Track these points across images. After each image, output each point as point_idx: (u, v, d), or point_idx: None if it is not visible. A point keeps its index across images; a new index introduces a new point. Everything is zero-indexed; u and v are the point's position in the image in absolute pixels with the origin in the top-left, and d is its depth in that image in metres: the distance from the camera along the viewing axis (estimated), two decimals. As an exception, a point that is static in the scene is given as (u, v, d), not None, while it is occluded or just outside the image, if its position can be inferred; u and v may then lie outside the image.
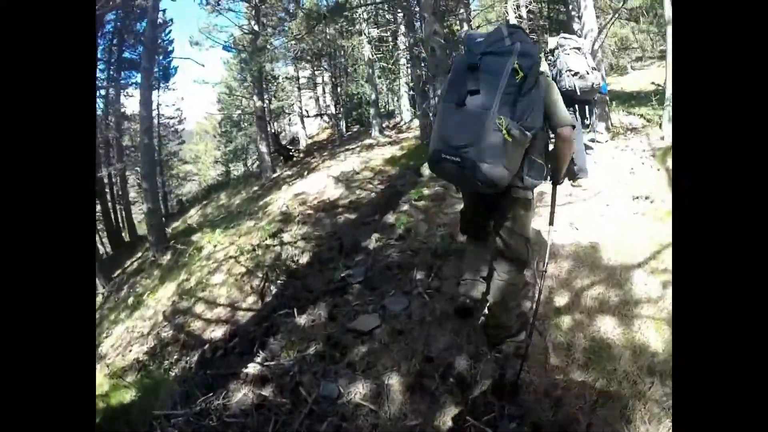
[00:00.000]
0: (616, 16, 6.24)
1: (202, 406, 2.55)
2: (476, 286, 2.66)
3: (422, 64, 6.18)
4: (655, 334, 2.54)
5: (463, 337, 2.77)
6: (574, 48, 4.81)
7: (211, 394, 2.67)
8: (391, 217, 4.87)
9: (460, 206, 2.75)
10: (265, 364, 2.90)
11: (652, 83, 14.54)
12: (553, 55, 4.99)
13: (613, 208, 4.30)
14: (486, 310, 2.49)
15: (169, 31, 20.20)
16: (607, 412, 2.10)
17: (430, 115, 5.75)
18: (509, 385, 2.24)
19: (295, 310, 3.54)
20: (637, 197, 4.42)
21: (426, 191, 5.22)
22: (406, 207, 5.02)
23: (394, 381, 2.52)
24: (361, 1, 11.05)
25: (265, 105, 15.11)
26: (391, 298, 3.37)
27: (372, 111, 12.85)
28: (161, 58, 20.00)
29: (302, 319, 3.44)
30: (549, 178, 2.27)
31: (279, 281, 4.41)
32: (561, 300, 3.08)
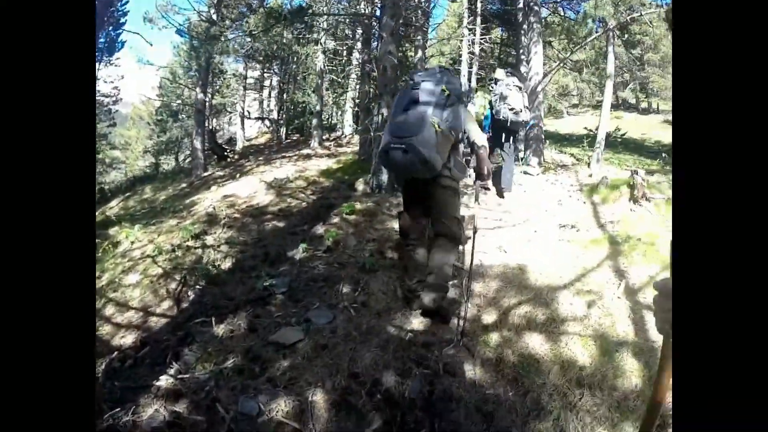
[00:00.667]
0: (560, 65, 6.76)
1: (109, 422, 2.21)
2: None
3: (371, 82, 6.17)
4: (582, 349, 2.63)
5: (390, 352, 2.66)
6: (516, 86, 5.60)
7: (118, 408, 2.32)
8: (320, 229, 4.68)
9: (391, 223, 3.83)
10: (179, 377, 2.59)
11: (585, 128, 15.91)
12: (495, 84, 5.75)
13: (541, 234, 4.48)
14: (426, 283, 2.84)
15: (126, 1, 18.59)
16: (540, 425, 2.11)
17: (371, 131, 5.70)
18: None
19: (213, 319, 3.24)
20: (564, 225, 4.65)
21: (358, 206, 5.11)
22: (336, 219, 4.87)
23: (318, 398, 2.35)
24: (324, 10, 11.02)
25: (206, 99, 14.36)
26: (315, 311, 3.18)
27: (314, 121, 12.64)
28: (111, 28, 18.22)
29: (220, 330, 3.14)
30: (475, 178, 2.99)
31: (197, 287, 4.04)
32: (489, 318, 3.08)
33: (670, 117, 21.02)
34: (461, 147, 2.82)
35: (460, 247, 3.36)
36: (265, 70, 19.74)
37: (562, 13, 11.65)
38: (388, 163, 2.63)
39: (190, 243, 5.02)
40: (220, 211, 6.05)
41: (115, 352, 3.27)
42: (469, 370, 2.52)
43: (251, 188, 7.44)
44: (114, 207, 13.77)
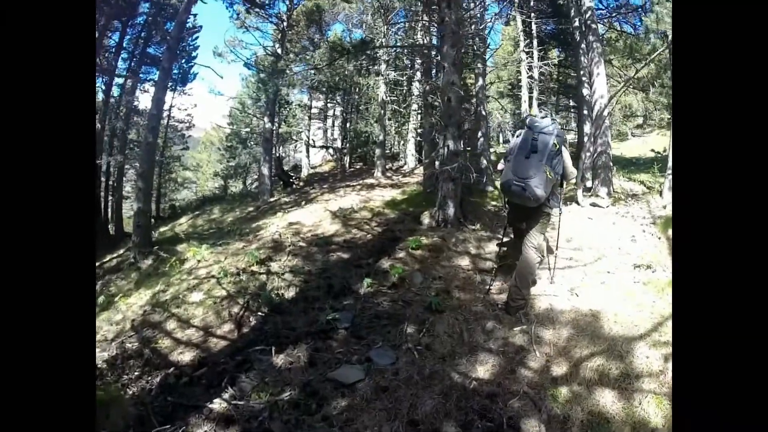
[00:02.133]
0: (626, 85, 6.42)
1: (158, 436, 2.29)
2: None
3: (434, 113, 6.25)
4: (655, 409, 2.40)
5: (452, 401, 2.59)
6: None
7: (168, 426, 2.40)
8: (385, 263, 4.72)
9: (458, 260, 4.53)
10: (233, 402, 2.64)
11: (652, 150, 14.91)
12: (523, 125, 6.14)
13: (615, 275, 4.20)
14: (511, 288, 3.61)
15: (197, 37, 20.12)
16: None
17: (436, 164, 5.71)
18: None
19: (273, 348, 3.31)
20: (639, 266, 4.33)
21: (424, 240, 5.11)
22: (402, 254, 4.89)
23: (375, 443, 2.32)
24: (384, 43, 11.38)
25: (274, 128, 15.24)
26: (378, 350, 3.18)
27: (378, 151, 12.97)
28: (183, 61, 19.90)
29: (279, 360, 3.19)
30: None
31: (260, 313, 4.18)
32: (559, 369, 2.92)
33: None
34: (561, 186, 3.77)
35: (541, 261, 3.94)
36: (329, 101, 20.60)
37: (619, 28, 11.14)
38: (507, 193, 3.42)
39: (255, 268, 5.20)
40: (286, 238, 6.28)
41: (172, 368, 3.39)
42: (534, 427, 2.39)
43: (316, 217, 7.69)
44: (183, 224, 14.76)
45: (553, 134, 3.31)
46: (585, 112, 10.45)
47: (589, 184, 7.62)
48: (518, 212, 3.71)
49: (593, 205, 6.82)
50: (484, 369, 2.95)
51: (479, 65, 8.43)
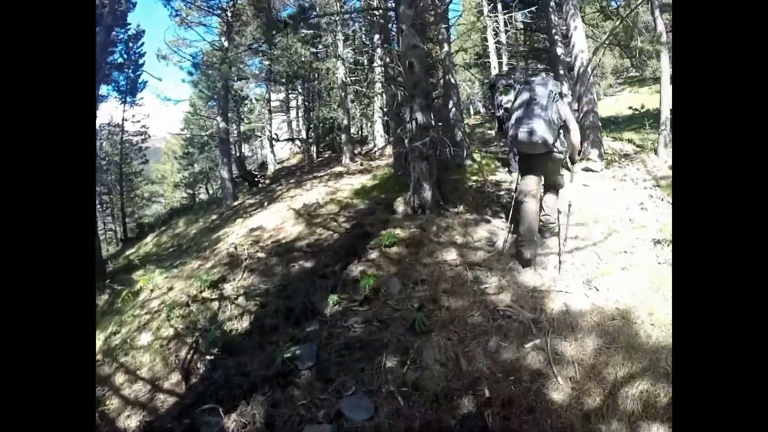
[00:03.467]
0: (611, 36, 5.67)
1: None
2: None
3: (398, 86, 5.42)
4: None
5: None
6: (506, 86, 6.05)
7: None
8: (355, 269, 3.88)
9: (443, 254, 3.88)
10: None
11: (629, 107, 14.36)
12: (492, 90, 6.40)
13: (634, 256, 3.46)
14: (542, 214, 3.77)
15: (142, 44, 18.90)
16: None
17: (405, 141, 4.83)
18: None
19: (222, 409, 2.58)
20: (659, 241, 3.61)
21: (400, 233, 4.26)
22: (375, 255, 4.06)
23: None
24: (332, 9, 10.36)
25: (229, 127, 14.09)
26: (350, 400, 2.39)
27: (344, 136, 11.93)
28: (130, 70, 18.65)
29: (231, 422, 2.49)
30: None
31: (209, 355, 3.37)
32: (590, 400, 2.18)
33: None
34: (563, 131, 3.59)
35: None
36: (289, 92, 19.43)
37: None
38: (516, 142, 3.52)
39: (207, 294, 4.39)
40: (243, 249, 5.41)
41: (118, 439, 2.89)
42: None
43: (279, 218, 6.78)
44: (148, 243, 13.66)
45: (548, 84, 3.54)
46: (561, 71, 9.72)
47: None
48: (527, 161, 3.69)
49: (586, 169, 6.09)
50: (492, 412, 2.18)
51: (443, 30, 7.53)
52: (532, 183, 3.62)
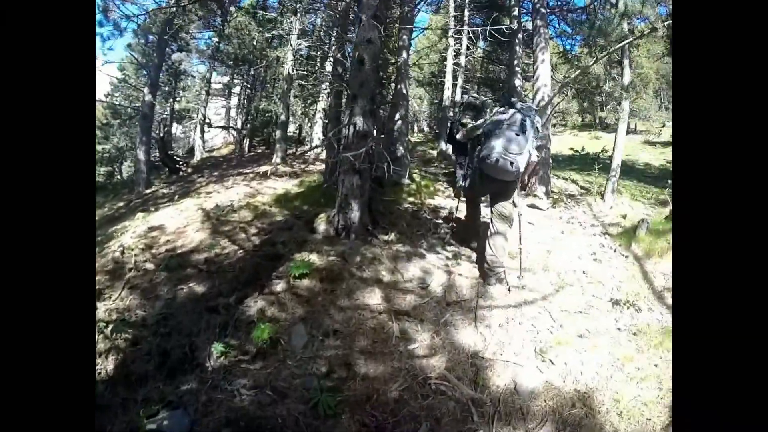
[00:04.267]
0: (583, 72, 5.34)
1: None
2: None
3: (342, 82, 4.66)
4: None
5: None
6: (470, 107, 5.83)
7: None
8: (253, 306, 3.01)
9: (366, 295, 3.13)
10: None
11: (571, 148, 14.78)
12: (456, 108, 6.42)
13: (591, 318, 2.94)
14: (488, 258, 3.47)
15: None
16: None
17: (337, 147, 4.02)
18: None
19: None
20: (617, 302, 3.13)
21: (316, 260, 3.44)
22: (280, 287, 3.20)
23: None
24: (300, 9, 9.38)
25: (156, 102, 12.48)
26: None
27: (278, 133, 10.80)
28: None
29: None
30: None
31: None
32: None
33: (650, 138, 20.28)
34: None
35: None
36: (234, 76, 17.98)
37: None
38: (491, 167, 3.27)
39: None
40: (131, 256, 4.32)
41: None
42: None
43: (185, 218, 5.69)
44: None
45: (536, 117, 3.45)
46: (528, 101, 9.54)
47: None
48: (491, 186, 3.55)
49: (532, 206, 5.68)
50: None
51: (404, 37, 6.90)
52: (488, 206, 3.67)
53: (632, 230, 4.51)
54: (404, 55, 6.70)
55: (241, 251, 3.95)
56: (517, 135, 3.25)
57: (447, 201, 5.86)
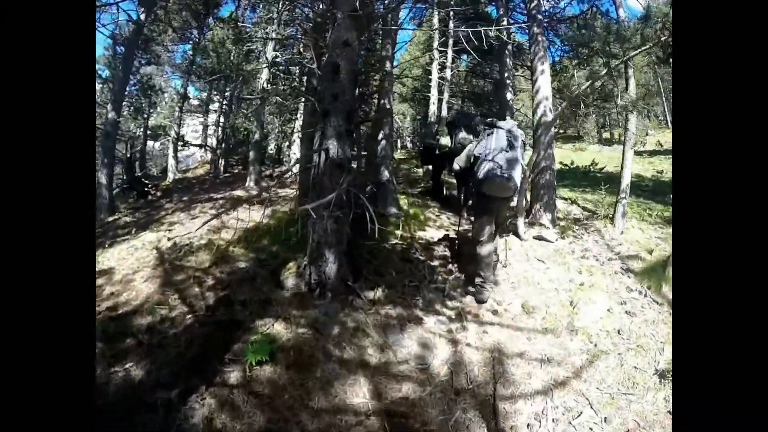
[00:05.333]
0: (603, 76, 4.76)
1: None
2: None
3: (312, 95, 3.93)
4: None
5: None
6: (465, 125, 5.79)
7: None
8: (199, 409, 2.14)
9: (348, 385, 2.41)
10: None
11: (560, 163, 14.32)
12: (451, 126, 6.11)
13: (638, 399, 2.22)
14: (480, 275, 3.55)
15: None
16: None
17: (314, 169, 3.22)
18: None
19: None
20: (663, 374, 2.42)
21: (282, 332, 2.62)
22: (235, 376, 2.35)
23: None
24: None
25: (121, 119, 11.54)
26: None
27: (252, 153, 9.95)
28: None
29: None
30: None
31: None
32: None
33: (635, 148, 20.03)
34: None
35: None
36: (212, 92, 17.15)
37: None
38: (491, 185, 3.40)
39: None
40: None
41: None
42: None
43: (137, 259, 4.80)
44: None
45: (521, 132, 3.61)
46: (508, 117, 8.94)
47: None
48: (492, 205, 3.61)
49: (539, 238, 4.98)
50: None
51: (387, 46, 6.22)
52: (491, 222, 3.64)
53: (659, 267, 3.84)
54: (387, 65, 6.02)
55: (190, 315, 3.11)
56: (507, 152, 3.44)
57: (440, 232, 5.12)
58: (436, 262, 4.08)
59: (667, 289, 3.53)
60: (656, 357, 2.69)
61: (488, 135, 3.59)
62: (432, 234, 5.04)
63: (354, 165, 5.34)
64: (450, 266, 4.02)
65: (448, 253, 4.34)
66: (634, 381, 2.52)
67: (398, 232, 4.88)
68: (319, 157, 3.08)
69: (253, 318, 2.89)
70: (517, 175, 3.42)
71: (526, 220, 5.38)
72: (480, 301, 3.45)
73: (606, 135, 25.92)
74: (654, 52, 4.86)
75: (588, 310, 3.28)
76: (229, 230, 5.41)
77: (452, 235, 4.83)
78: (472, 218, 3.95)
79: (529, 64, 13.01)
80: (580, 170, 14.98)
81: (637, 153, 18.99)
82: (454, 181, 6.72)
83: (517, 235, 4.99)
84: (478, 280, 3.52)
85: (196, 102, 19.56)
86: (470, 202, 4.03)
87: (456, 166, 4.01)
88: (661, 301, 3.38)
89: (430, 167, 8.04)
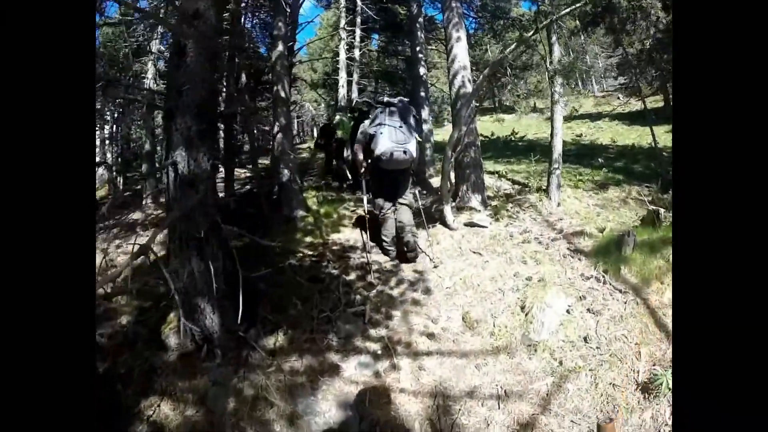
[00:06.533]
0: (522, 44, 4.23)
1: None
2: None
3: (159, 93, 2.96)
4: None
5: None
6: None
7: None
8: None
9: None
10: None
11: (480, 134, 14.20)
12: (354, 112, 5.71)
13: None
14: (409, 242, 3.70)
15: None
16: None
17: (166, 191, 2.26)
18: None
19: None
20: (648, 386, 1.92)
21: (170, 414, 1.86)
22: None
23: None
24: None
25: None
26: None
27: (144, 167, 8.47)
28: None
29: None
30: None
31: None
32: None
33: (548, 115, 20.57)
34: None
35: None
36: (107, 99, 14.86)
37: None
38: (388, 160, 3.53)
39: None
40: None
41: None
42: None
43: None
44: None
45: (411, 107, 3.81)
46: (422, 93, 8.35)
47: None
48: (390, 179, 3.75)
49: (470, 224, 4.41)
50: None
51: (280, 24, 5.25)
52: (394, 195, 3.78)
53: (612, 245, 3.40)
54: (280, 47, 5.09)
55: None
56: (400, 127, 3.59)
57: (355, 234, 4.38)
58: (353, 275, 3.34)
59: (627, 272, 3.07)
60: (633, 365, 2.17)
61: (380, 113, 3.70)
62: (348, 235, 4.29)
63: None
64: (369, 277, 3.30)
65: (366, 259, 3.64)
66: (614, 402, 1.98)
67: (309, 239, 4.08)
68: (167, 174, 2.17)
69: (137, 398, 1.99)
70: (412, 147, 3.57)
71: (453, 205, 4.79)
72: (410, 250, 3.67)
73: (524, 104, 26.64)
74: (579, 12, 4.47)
75: (544, 315, 2.69)
76: (116, 265, 4.26)
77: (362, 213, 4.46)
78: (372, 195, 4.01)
79: (442, 38, 12.58)
80: (501, 140, 14.99)
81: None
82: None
83: (445, 224, 4.38)
84: (383, 243, 3.80)
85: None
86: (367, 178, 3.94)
87: (357, 148, 3.96)
88: (624, 288, 2.90)
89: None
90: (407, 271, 3.52)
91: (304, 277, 3.18)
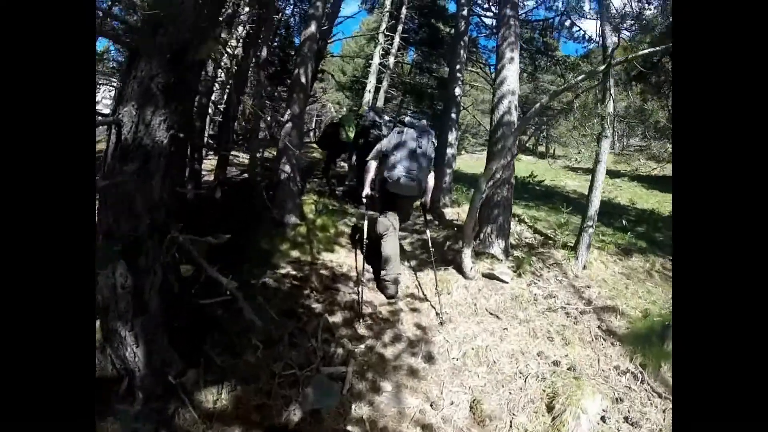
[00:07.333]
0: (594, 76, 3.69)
1: None
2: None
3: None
4: None
5: None
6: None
7: None
8: None
9: None
10: None
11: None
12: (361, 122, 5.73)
13: None
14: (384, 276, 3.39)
15: None
16: None
17: (106, 144, 1.60)
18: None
19: None
20: None
21: None
22: None
23: None
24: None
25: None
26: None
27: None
28: None
29: None
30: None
31: None
32: None
33: (569, 163, 19.94)
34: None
35: None
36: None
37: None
38: (397, 185, 3.40)
39: None
40: None
41: None
42: None
43: None
44: None
45: (433, 135, 3.57)
46: (453, 116, 7.72)
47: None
48: (396, 202, 3.60)
49: (490, 276, 3.72)
50: None
51: (317, 3, 4.62)
52: (395, 219, 3.56)
53: (652, 334, 2.74)
54: (312, 27, 4.46)
55: None
56: (416, 154, 3.42)
57: (348, 255, 3.70)
58: (338, 316, 2.65)
59: (667, 370, 2.41)
60: None
61: (398, 133, 3.53)
62: (342, 258, 3.62)
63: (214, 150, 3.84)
64: (359, 324, 2.60)
65: (358, 296, 2.95)
66: None
67: (295, 254, 3.38)
68: (108, 137, 1.49)
69: None
70: (424, 177, 3.47)
71: (474, 242, 4.10)
72: (388, 297, 3.29)
73: (541, 149, 26.25)
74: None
75: (578, 424, 2.00)
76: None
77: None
78: (375, 213, 3.75)
79: (480, 60, 12.01)
80: (519, 181, 14.39)
81: (572, 169, 18.98)
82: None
83: (461, 270, 3.69)
84: (382, 274, 3.38)
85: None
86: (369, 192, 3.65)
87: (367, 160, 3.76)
88: (664, 392, 2.23)
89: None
90: (408, 323, 2.82)
91: (275, 308, 2.46)
